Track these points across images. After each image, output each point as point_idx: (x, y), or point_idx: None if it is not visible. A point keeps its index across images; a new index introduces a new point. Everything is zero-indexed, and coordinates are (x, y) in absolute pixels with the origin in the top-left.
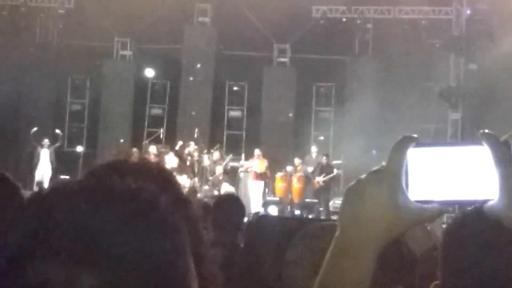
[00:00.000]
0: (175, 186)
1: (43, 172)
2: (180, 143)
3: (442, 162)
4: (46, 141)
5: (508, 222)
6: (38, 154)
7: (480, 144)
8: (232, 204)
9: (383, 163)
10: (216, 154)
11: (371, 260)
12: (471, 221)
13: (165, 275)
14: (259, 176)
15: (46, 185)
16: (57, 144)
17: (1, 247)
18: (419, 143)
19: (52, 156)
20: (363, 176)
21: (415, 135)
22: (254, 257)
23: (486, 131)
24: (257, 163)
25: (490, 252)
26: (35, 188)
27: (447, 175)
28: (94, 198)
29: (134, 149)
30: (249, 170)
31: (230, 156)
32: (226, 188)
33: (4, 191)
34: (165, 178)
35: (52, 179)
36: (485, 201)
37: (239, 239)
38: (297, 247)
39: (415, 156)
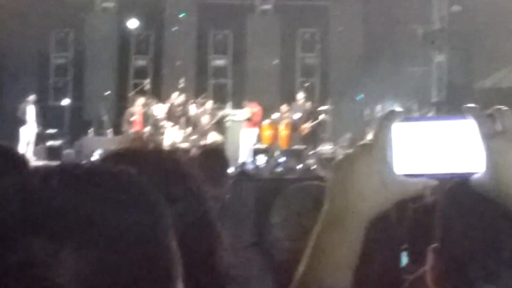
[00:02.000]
0: (189, 177)
1: (30, 129)
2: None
3: (428, 136)
4: (32, 97)
5: (494, 194)
6: (24, 110)
7: (465, 117)
8: (215, 157)
9: (370, 138)
10: (208, 104)
11: (359, 233)
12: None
13: (146, 251)
14: (249, 123)
15: (33, 141)
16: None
17: None
18: (404, 118)
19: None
20: (350, 150)
21: (401, 109)
22: (233, 218)
23: (471, 105)
24: (245, 111)
25: (482, 222)
26: (22, 148)
27: (433, 148)
28: (73, 178)
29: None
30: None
31: (227, 109)
32: (214, 137)
33: (10, 165)
34: (178, 170)
35: (39, 134)
36: (472, 174)
37: (223, 192)
38: (280, 209)
39: (400, 131)
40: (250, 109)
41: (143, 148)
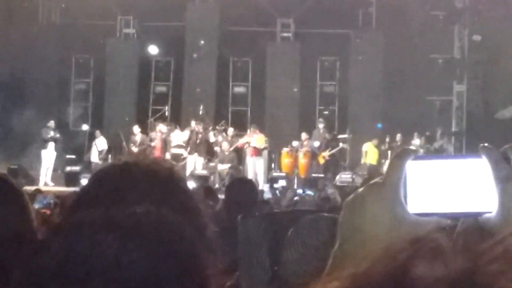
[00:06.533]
0: (184, 191)
1: (50, 154)
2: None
3: (441, 175)
4: (51, 123)
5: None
6: (45, 135)
7: (479, 156)
8: (243, 187)
9: (381, 177)
10: (230, 131)
11: None
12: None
13: None
14: (259, 151)
15: (51, 166)
16: (57, 136)
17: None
18: (418, 156)
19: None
20: (361, 189)
21: (414, 148)
22: (247, 260)
23: (486, 144)
24: (256, 138)
25: None
26: (42, 172)
27: (446, 188)
28: (121, 235)
29: (135, 127)
30: (246, 146)
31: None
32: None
33: (5, 195)
34: (174, 183)
35: (58, 160)
36: (484, 213)
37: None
38: (294, 245)
39: (414, 169)
40: (257, 136)
41: (140, 163)
